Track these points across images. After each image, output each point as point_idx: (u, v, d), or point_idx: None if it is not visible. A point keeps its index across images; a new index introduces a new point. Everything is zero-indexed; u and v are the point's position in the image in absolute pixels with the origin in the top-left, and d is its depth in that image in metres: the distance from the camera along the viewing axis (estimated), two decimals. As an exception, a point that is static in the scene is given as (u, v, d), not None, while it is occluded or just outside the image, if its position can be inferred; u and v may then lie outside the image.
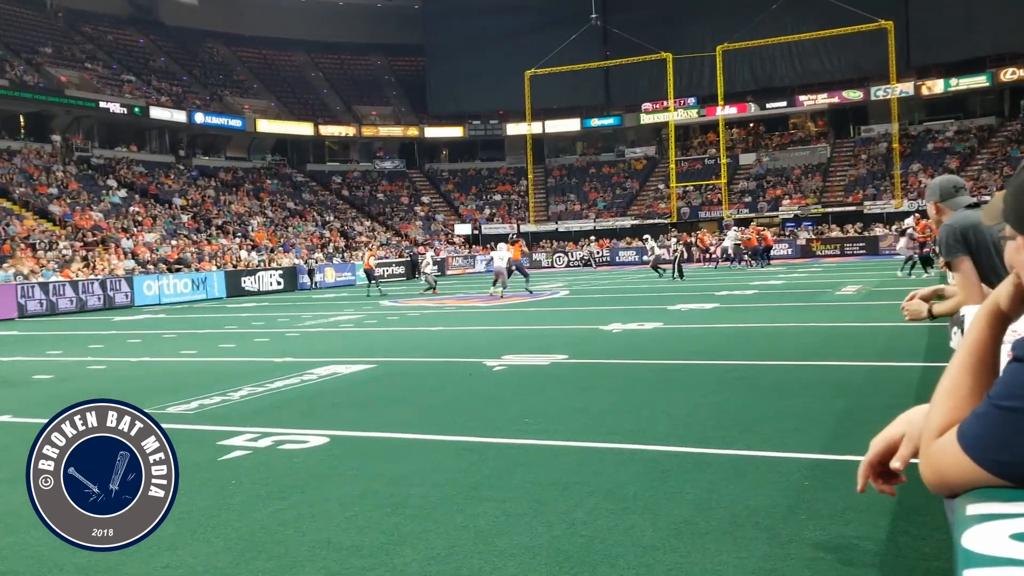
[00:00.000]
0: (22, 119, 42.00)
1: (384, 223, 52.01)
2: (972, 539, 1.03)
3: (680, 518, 4.12)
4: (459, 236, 51.76)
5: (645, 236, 36.72)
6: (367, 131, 57.22)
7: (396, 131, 58.35)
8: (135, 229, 35.52)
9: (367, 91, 61.23)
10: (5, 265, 26.03)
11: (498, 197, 56.82)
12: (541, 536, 3.95)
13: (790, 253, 41.21)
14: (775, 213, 47.73)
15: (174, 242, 35.46)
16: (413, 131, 58.32)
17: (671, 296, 19.54)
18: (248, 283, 31.70)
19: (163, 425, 7.32)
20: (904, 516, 3.98)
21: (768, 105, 52.92)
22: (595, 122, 57.16)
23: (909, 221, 24.39)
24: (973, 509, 1.10)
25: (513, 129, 56.55)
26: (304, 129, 54.53)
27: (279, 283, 33.13)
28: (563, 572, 3.51)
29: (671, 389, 7.87)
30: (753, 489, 4.56)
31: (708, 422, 6.31)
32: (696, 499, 4.41)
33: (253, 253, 37.31)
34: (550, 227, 52.24)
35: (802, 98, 52.08)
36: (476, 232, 52.35)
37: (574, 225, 51.59)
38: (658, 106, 53.18)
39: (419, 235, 50.51)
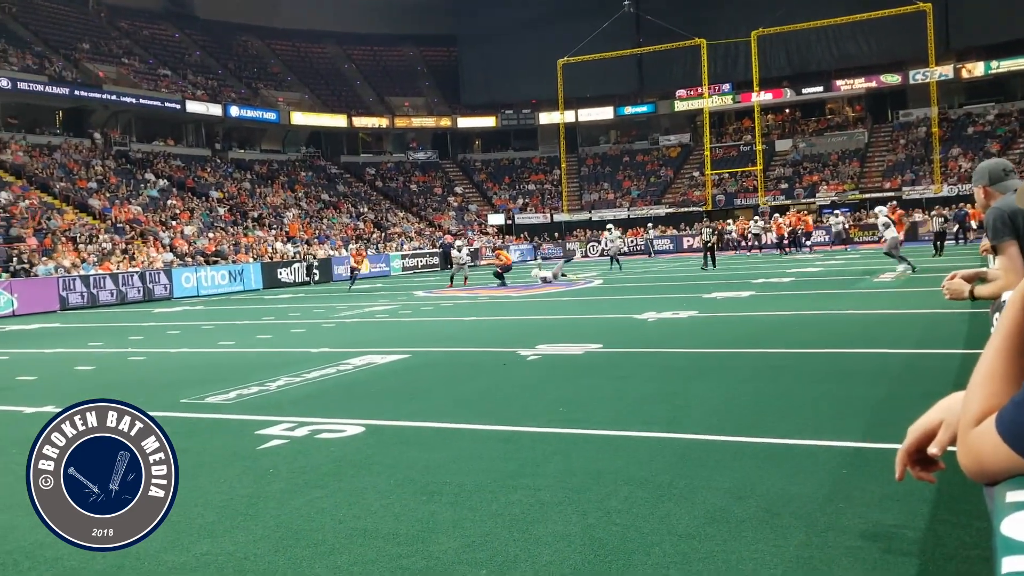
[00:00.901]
0: (60, 114, 42.65)
1: (418, 214, 52.19)
2: (1012, 527, 1.02)
3: (716, 506, 4.10)
4: (492, 226, 51.78)
5: (608, 226, 34.73)
6: (400, 122, 57.38)
7: (429, 122, 58.45)
8: (173, 222, 36.00)
9: (400, 82, 61.38)
10: (44, 259, 26.53)
11: (531, 186, 56.73)
12: (576, 524, 3.96)
13: (827, 239, 40.69)
14: (812, 199, 47.14)
15: (211, 234, 35.89)
16: (446, 121, 58.39)
17: (706, 284, 19.40)
18: (284, 274, 32.02)
19: (203, 415, 7.44)
20: (943, 504, 3.93)
21: (804, 90, 52.20)
22: (628, 110, 56.79)
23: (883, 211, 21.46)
24: (1013, 496, 1.09)
25: (546, 118, 56.36)
26: (338, 121, 54.81)
27: (315, 274, 33.43)
28: (598, 560, 3.51)
29: (706, 378, 7.83)
30: (790, 477, 4.52)
31: (743, 410, 6.27)
32: (732, 487, 4.39)
33: (288, 245, 37.66)
34: (583, 216, 52.06)
35: (839, 83, 51.30)
36: (509, 222, 52.34)
37: (608, 214, 51.36)
38: (692, 93, 52.69)
39: (452, 225, 50.62)
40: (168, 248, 32.00)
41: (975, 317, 10.77)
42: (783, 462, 4.84)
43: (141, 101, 43.67)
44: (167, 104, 45.10)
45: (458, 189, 56.86)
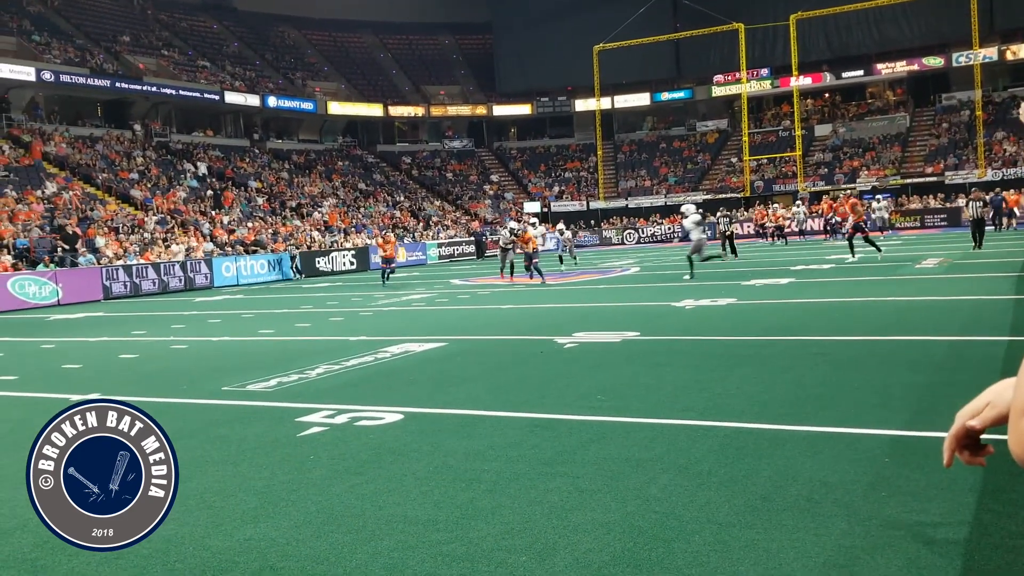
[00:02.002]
0: (101, 106, 43.30)
1: (453, 202, 52.30)
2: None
3: (756, 495, 4.08)
4: (528, 214, 51.72)
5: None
6: (436, 111, 57.47)
7: (464, 110, 58.47)
8: (213, 212, 36.46)
9: (435, 71, 61.45)
10: (83, 249, 27.01)
11: (567, 174, 56.56)
12: (615, 512, 3.95)
13: (868, 226, 40.09)
14: (852, 185, 46.41)
15: (250, 224, 36.29)
16: (481, 110, 58.38)
17: (745, 272, 19.22)
18: (321, 263, 32.31)
19: (244, 403, 7.52)
20: (989, 494, 3.87)
21: (844, 74, 51.33)
22: (665, 96, 56.30)
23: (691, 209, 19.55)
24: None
25: (582, 105, 56.09)
26: (374, 110, 55.04)
27: (352, 263, 33.71)
28: (638, 547, 3.51)
29: (745, 365, 7.76)
30: (831, 466, 4.48)
31: (784, 398, 6.21)
32: (772, 476, 4.35)
33: (326, 234, 37.97)
34: (620, 203, 51.78)
35: (880, 66, 50.37)
36: (545, 210, 52.24)
37: (644, 201, 51.05)
38: (730, 78, 52.08)
39: (488, 214, 50.66)
40: (208, 238, 32.43)
41: (1021, 305, 10.56)
42: (824, 451, 4.79)
43: (180, 92, 44.21)
44: (206, 95, 45.60)
45: (494, 177, 56.85)
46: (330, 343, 11.03)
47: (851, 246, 20.71)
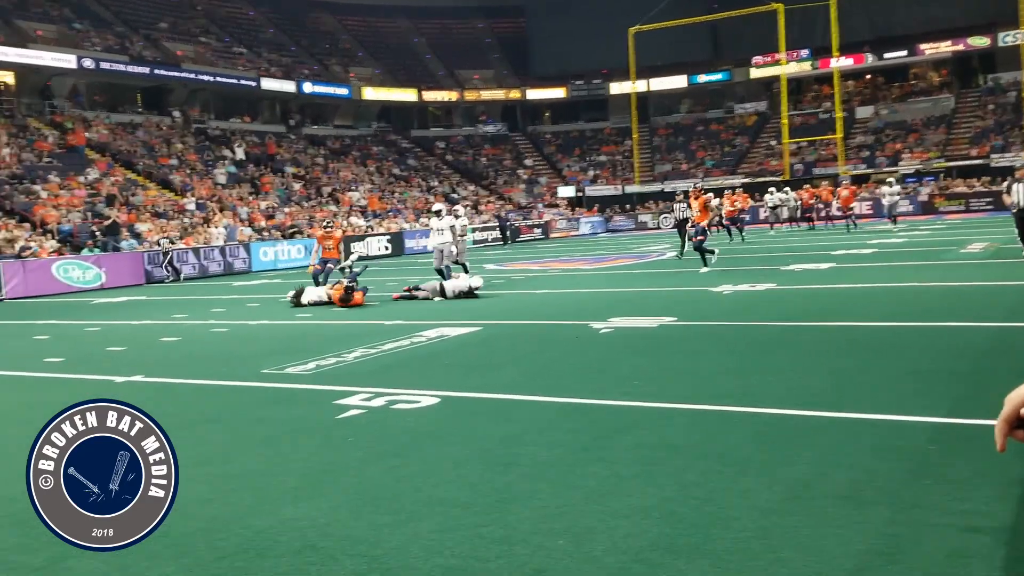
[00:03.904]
0: (141, 93, 43.82)
1: (488, 187, 52.28)
2: None
3: (797, 482, 4.04)
4: (562, 199, 51.55)
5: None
6: (469, 95, 57.40)
7: (498, 94, 58.32)
8: (250, 197, 36.83)
9: (469, 55, 61.31)
10: (160, 236, 27.42)
11: (602, 158, 56.25)
12: (652, 497, 3.94)
13: (911, 209, 39.37)
14: (894, 168, 45.59)
15: (287, 209, 36.61)
16: (515, 94, 58.18)
17: (785, 256, 19.01)
18: (357, 248, 32.48)
19: (283, 385, 7.60)
20: (1037, 483, 3.79)
21: (886, 55, 50.34)
22: (702, 78, 55.63)
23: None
24: None
25: (617, 88, 55.64)
26: (408, 96, 55.11)
27: (387, 248, 33.92)
28: (676, 533, 3.49)
29: (784, 351, 7.68)
30: (873, 454, 4.42)
31: (824, 385, 6.14)
32: (813, 463, 4.31)
33: (361, 219, 38.18)
34: (656, 187, 51.39)
35: (923, 46, 49.32)
36: (580, 194, 52.03)
37: (681, 185, 50.49)
38: (769, 59, 51.32)
39: (522, 199, 50.57)
40: (247, 222, 32.78)
41: (1069, 289, 10.32)
42: (866, 438, 4.73)
43: (218, 79, 44.60)
44: (243, 82, 45.96)
45: (528, 162, 56.72)
46: (366, 327, 11.10)
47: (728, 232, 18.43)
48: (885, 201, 30.11)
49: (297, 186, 41.02)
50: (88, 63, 38.45)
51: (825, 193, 34.66)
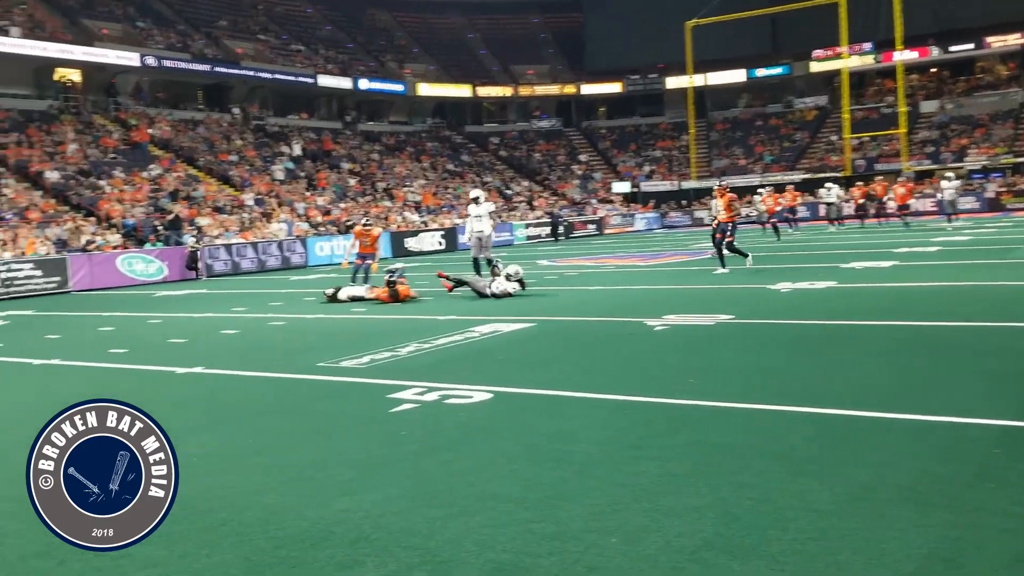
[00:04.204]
0: (201, 91, 44.67)
1: (541, 182, 52.21)
2: None
3: (857, 483, 3.95)
4: (616, 194, 51.24)
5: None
6: (524, 91, 57.38)
7: (553, 89, 58.18)
8: (307, 192, 37.34)
9: (524, 50, 61.27)
10: (190, 227, 27.99)
11: (658, 153, 55.78)
12: (706, 497, 3.89)
13: (978, 206, 38.31)
14: (960, 164, 44.40)
15: (342, 204, 37.03)
16: (570, 89, 57.98)
17: (845, 254, 18.64)
18: (411, 243, 32.76)
19: (338, 379, 7.67)
20: (1112, 490, 3.65)
21: (952, 48, 48.99)
22: (761, 72, 54.79)
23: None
24: None
25: (673, 82, 55.09)
26: (462, 91, 55.31)
27: (440, 243, 34.11)
28: (731, 533, 3.44)
29: (845, 350, 7.52)
30: (936, 456, 4.30)
31: (886, 385, 6.00)
32: (874, 464, 4.21)
33: (415, 214, 38.44)
34: (713, 183, 50.75)
35: (990, 39, 47.87)
36: (635, 190, 51.67)
37: (738, 180, 49.95)
38: (830, 53, 50.30)
39: (576, 194, 50.41)
40: (303, 218, 33.25)
41: None
42: (929, 440, 4.61)
43: (276, 76, 45.30)
44: (301, 79, 46.61)
45: (582, 157, 56.51)
46: (420, 322, 11.17)
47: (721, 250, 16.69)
48: (944, 196, 29.26)
49: (353, 182, 41.46)
50: (151, 61, 39.33)
51: (880, 189, 33.84)
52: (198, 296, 18.45)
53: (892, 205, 31.15)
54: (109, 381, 8.18)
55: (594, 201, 48.80)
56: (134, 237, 26.56)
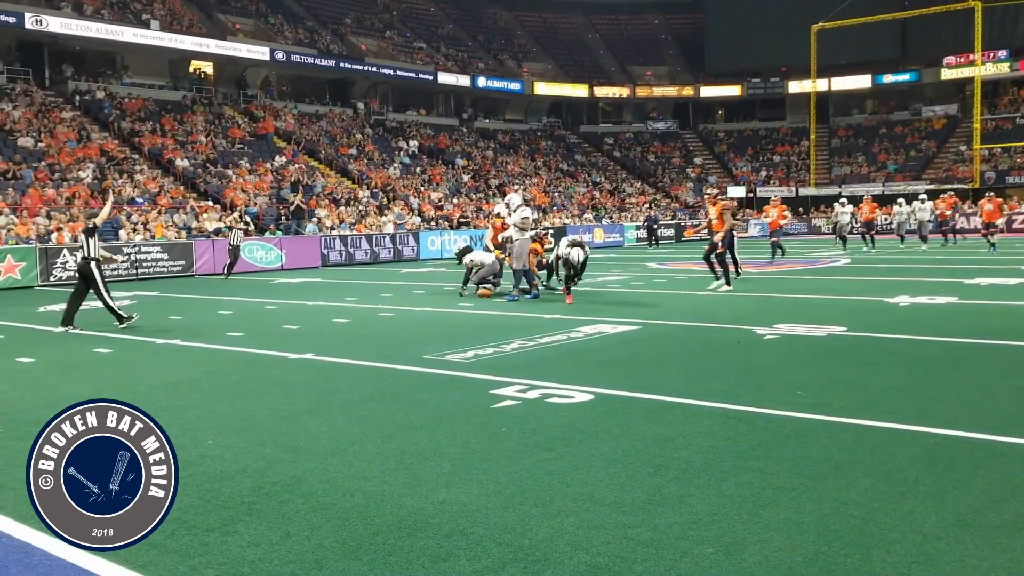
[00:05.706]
0: (326, 86, 46.11)
1: (654, 185, 51.67)
2: None
3: (968, 508, 3.78)
4: (731, 199, 50.19)
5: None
6: (641, 92, 56.90)
7: (670, 91, 57.50)
8: (422, 188, 38.05)
9: (643, 51, 60.78)
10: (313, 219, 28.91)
11: (776, 158, 54.40)
12: (809, 512, 3.79)
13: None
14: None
15: (455, 200, 37.57)
16: (688, 91, 57.18)
17: (968, 269, 17.78)
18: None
19: (442, 372, 7.80)
20: None
21: (1096, 56, 46.07)
22: (888, 78, 52.76)
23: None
24: None
25: (795, 87, 53.65)
26: (579, 91, 55.28)
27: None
28: (832, 551, 3.35)
29: (963, 369, 7.19)
30: (1059, 487, 4.07)
31: (1004, 407, 5.71)
32: (987, 490, 4.02)
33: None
34: (832, 191, 49.22)
35: None
36: (751, 195, 50.54)
37: (859, 189, 48.18)
38: (962, 60, 48.06)
39: (689, 197, 49.68)
40: (417, 212, 33.93)
41: None
42: (1052, 469, 4.37)
43: (398, 73, 46.33)
44: (421, 75, 47.54)
45: (697, 160, 55.64)
46: (525, 319, 11.25)
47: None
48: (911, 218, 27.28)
49: (466, 178, 42.00)
50: (280, 55, 40.84)
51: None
52: (313, 284, 19.07)
53: (976, 222, 28.69)
54: (224, 363, 8.56)
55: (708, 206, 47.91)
56: (256, 225, 27.66)
